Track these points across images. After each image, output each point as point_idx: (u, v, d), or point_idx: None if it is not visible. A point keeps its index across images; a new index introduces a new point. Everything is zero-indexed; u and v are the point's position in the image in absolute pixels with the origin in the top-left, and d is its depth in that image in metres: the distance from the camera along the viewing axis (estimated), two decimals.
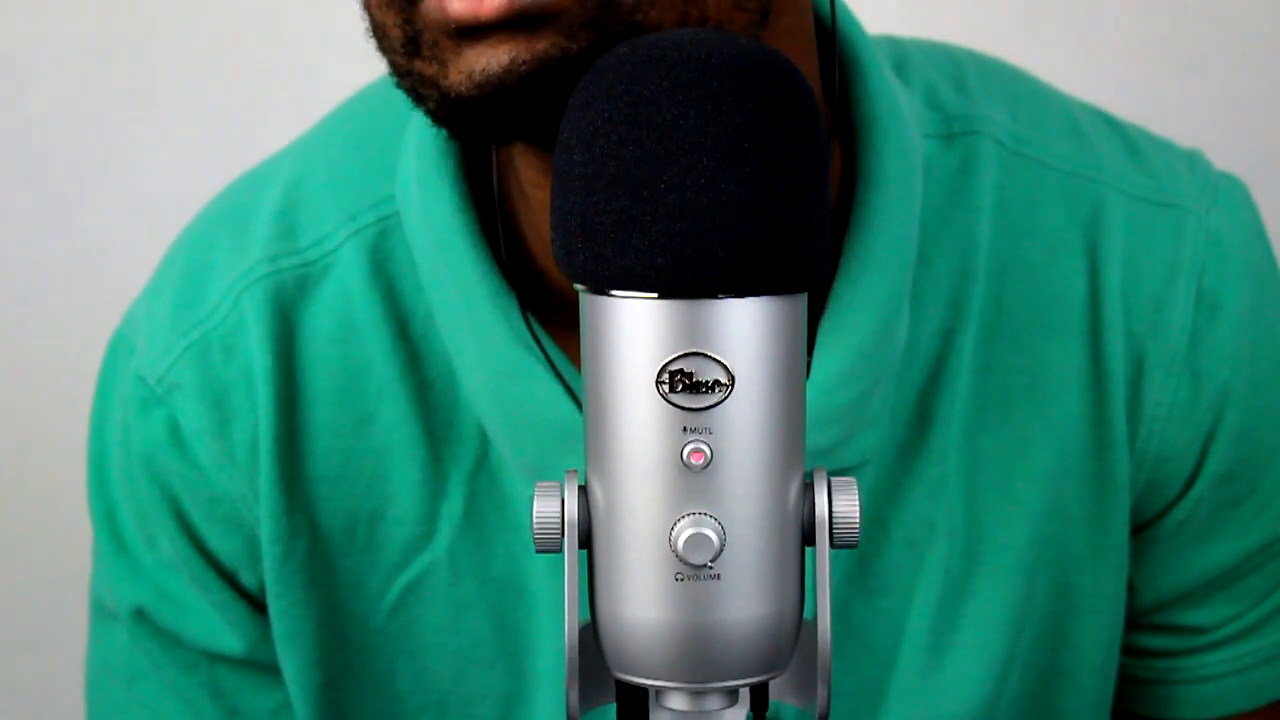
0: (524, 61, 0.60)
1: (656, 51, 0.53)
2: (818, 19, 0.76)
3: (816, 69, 0.74)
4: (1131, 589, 0.85)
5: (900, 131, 0.75)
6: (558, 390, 0.73)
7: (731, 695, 0.57)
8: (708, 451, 0.53)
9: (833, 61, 0.76)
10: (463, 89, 0.61)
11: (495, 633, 0.80)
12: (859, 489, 0.77)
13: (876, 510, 0.79)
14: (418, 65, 0.63)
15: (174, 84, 1.33)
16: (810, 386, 0.72)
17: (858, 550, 0.79)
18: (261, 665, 0.82)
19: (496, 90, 0.61)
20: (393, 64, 0.65)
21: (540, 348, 0.73)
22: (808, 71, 0.73)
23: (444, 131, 0.74)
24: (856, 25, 0.78)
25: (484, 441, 0.78)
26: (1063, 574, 0.82)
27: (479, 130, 0.63)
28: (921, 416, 0.78)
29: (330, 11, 1.31)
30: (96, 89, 1.33)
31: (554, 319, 0.75)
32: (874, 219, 0.73)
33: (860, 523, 0.56)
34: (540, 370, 0.73)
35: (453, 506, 0.79)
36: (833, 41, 0.75)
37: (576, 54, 0.60)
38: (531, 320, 0.74)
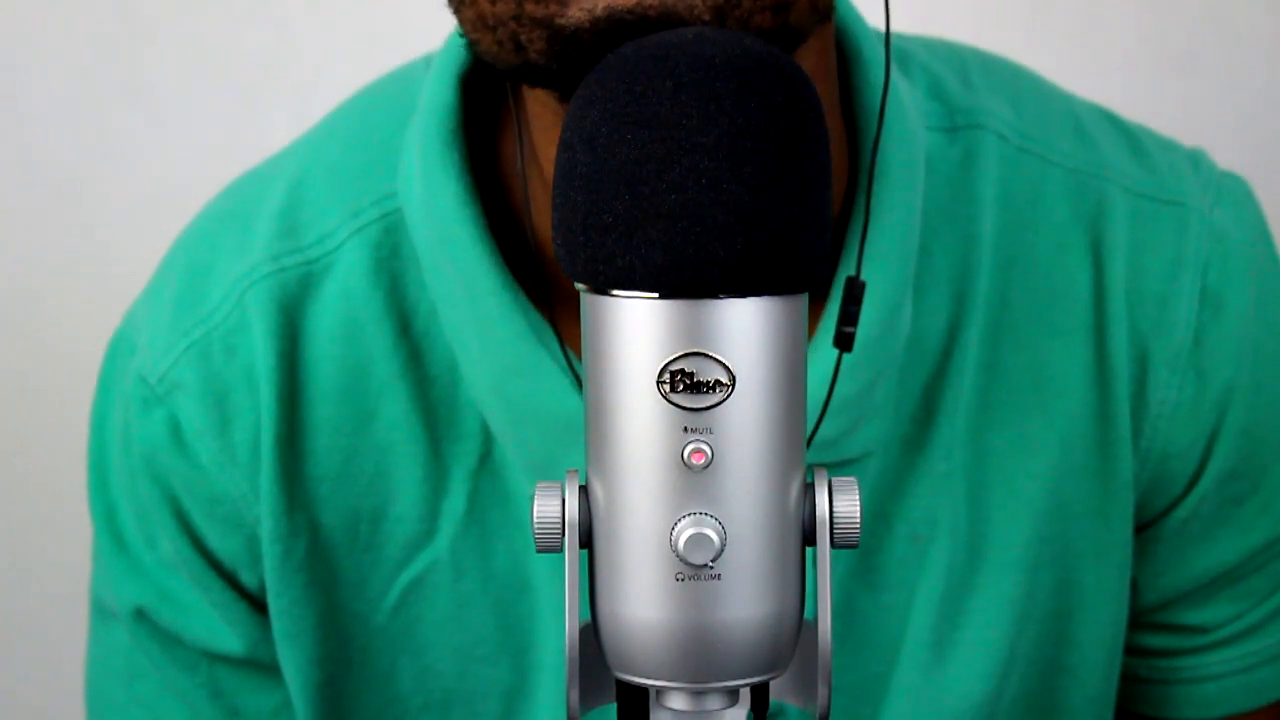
0: (650, 6, 0.59)
1: (660, 51, 0.53)
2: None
3: (835, 60, 0.74)
4: (1134, 588, 0.85)
5: (902, 123, 0.75)
6: (564, 384, 0.73)
7: (732, 695, 0.57)
8: (708, 451, 0.53)
9: (844, 57, 0.76)
10: (584, 22, 0.60)
11: (498, 629, 0.80)
12: (862, 484, 0.77)
13: (880, 505, 0.79)
14: (529, 8, 0.61)
15: (174, 84, 1.33)
16: (814, 377, 0.72)
17: (861, 545, 0.79)
18: (261, 665, 0.82)
19: (617, 26, 0.59)
20: (484, 15, 0.63)
21: (558, 338, 0.73)
22: (826, 60, 0.73)
23: (486, 83, 0.72)
24: (858, 18, 0.78)
25: (486, 438, 0.78)
26: (1065, 571, 0.82)
27: (585, 67, 0.60)
28: (926, 411, 0.78)
29: (330, 11, 1.31)
30: (96, 89, 1.33)
31: (566, 311, 0.75)
32: (877, 209, 0.73)
33: (861, 523, 0.56)
34: (546, 364, 0.73)
35: (455, 504, 0.79)
36: (876, 39, 0.75)
37: (699, 11, 0.60)
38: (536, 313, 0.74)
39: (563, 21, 0.60)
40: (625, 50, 0.54)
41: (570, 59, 0.61)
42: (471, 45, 0.65)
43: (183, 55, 1.33)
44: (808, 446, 0.71)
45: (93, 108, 1.34)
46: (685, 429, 0.53)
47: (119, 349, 0.83)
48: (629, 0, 0.59)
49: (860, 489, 0.57)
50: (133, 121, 1.34)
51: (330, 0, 1.31)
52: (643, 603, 0.54)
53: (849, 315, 0.65)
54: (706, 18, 0.59)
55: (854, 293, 0.65)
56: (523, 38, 0.62)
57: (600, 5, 0.59)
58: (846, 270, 0.73)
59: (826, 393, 0.71)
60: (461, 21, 0.65)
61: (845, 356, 0.72)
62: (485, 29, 0.63)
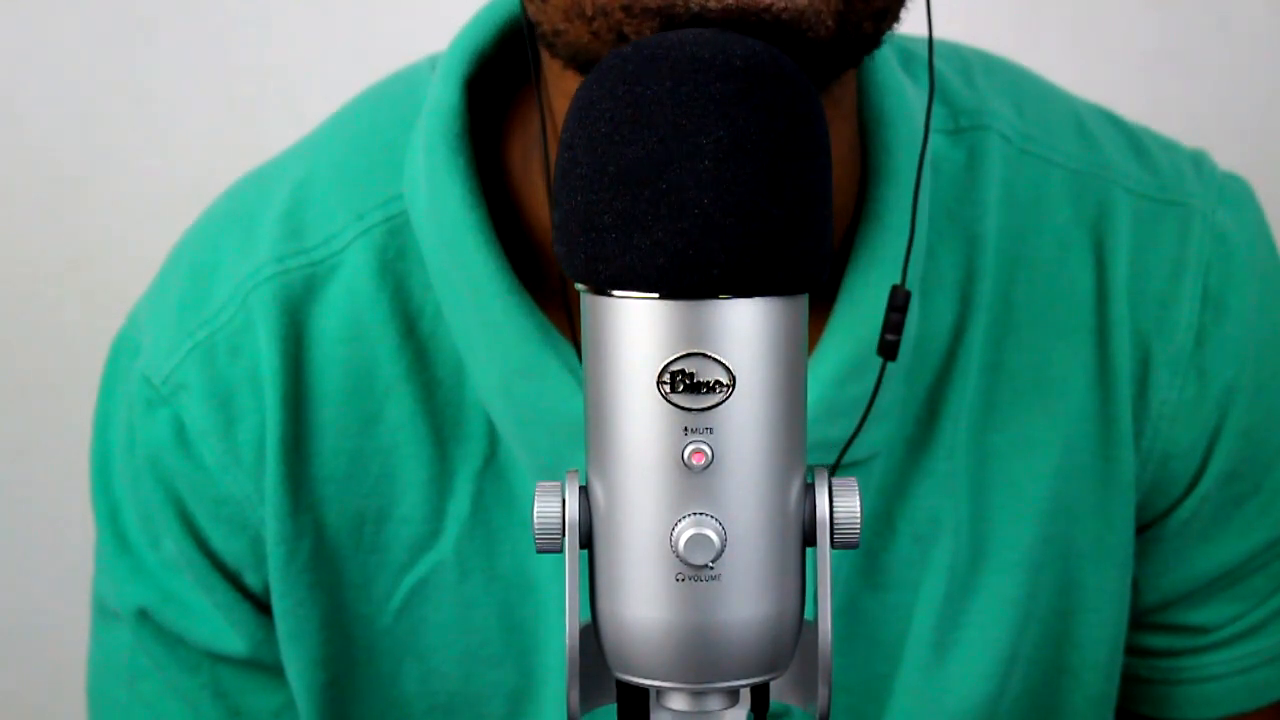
0: (784, 8, 0.59)
1: (660, 51, 0.53)
2: None
3: None
4: (1135, 588, 0.86)
5: (909, 125, 0.75)
6: (571, 385, 0.73)
7: (732, 696, 0.57)
8: (709, 452, 0.53)
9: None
10: (713, 10, 0.58)
11: (503, 630, 0.80)
12: (867, 485, 0.77)
13: (885, 505, 0.79)
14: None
15: (174, 84, 1.33)
16: (822, 379, 0.72)
17: (865, 545, 0.79)
18: (265, 666, 0.82)
19: (740, 19, 0.58)
20: (582, 6, 0.61)
21: (571, 340, 0.73)
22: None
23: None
24: None
25: (492, 440, 0.78)
26: (1067, 571, 0.82)
27: None
28: (931, 412, 0.78)
29: (330, 12, 1.31)
30: (96, 89, 1.33)
31: (573, 313, 0.75)
32: (884, 212, 0.73)
33: (862, 524, 0.56)
34: (553, 366, 0.73)
35: (460, 505, 0.79)
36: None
37: (825, 16, 0.59)
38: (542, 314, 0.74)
39: (680, 10, 0.59)
40: (625, 51, 0.54)
41: None
42: (554, 34, 0.64)
43: (182, 55, 1.33)
44: (844, 452, 0.71)
45: (93, 108, 1.34)
46: (685, 429, 0.53)
47: (122, 349, 0.83)
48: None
49: (862, 489, 0.57)
50: (133, 121, 1.34)
51: (329, 1, 1.31)
52: (643, 603, 0.54)
53: (894, 324, 0.65)
54: (830, 23, 0.60)
55: (897, 301, 0.65)
56: (629, 29, 0.60)
57: None
58: (856, 274, 0.73)
59: (832, 395, 0.71)
60: (546, 9, 0.64)
61: (856, 360, 0.72)
62: (579, 18, 0.62)
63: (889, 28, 0.64)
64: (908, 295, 0.65)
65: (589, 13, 0.61)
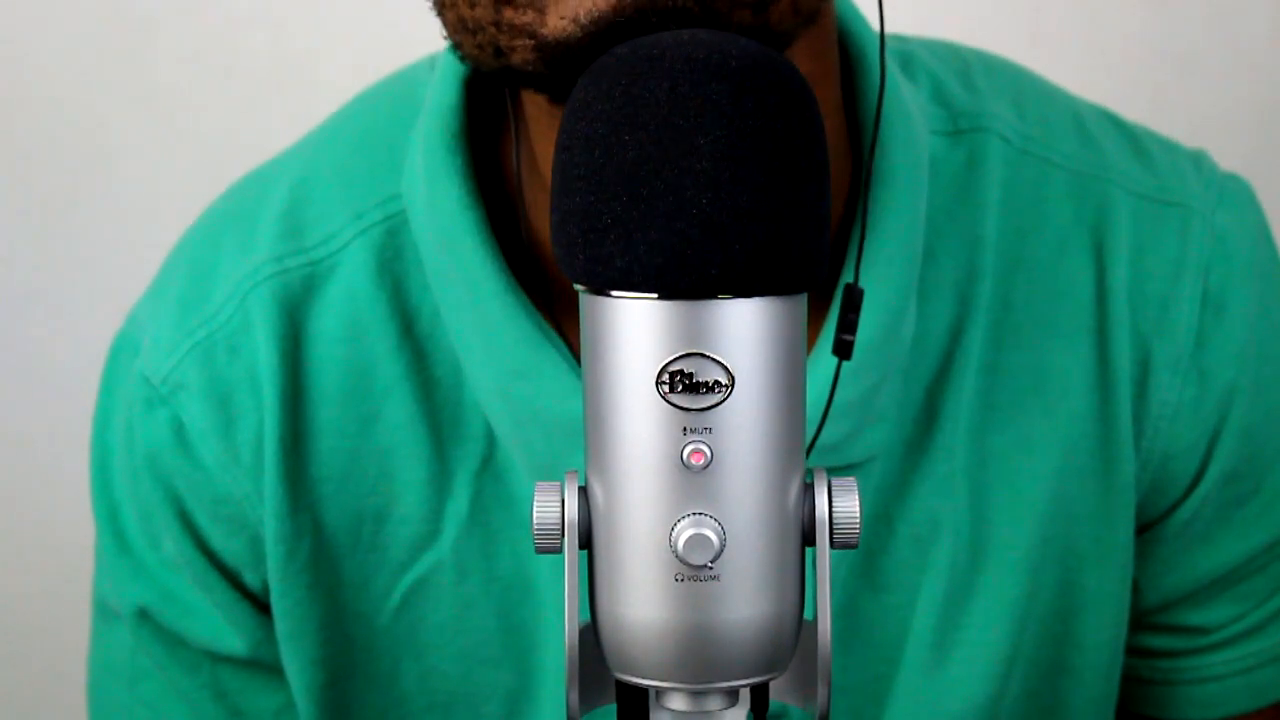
0: (628, 4, 0.59)
1: (655, 52, 0.53)
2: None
3: (836, 63, 0.74)
4: (1136, 589, 0.85)
5: (906, 127, 0.75)
6: (568, 386, 0.73)
7: (732, 695, 0.57)
8: (708, 452, 0.53)
9: (847, 61, 0.76)
10: (568, 32, 0.60)
11: (501, 631, 0.80)
12: (865, 486, 0.77)
13: (884, 506, 0.79)
14: (508, 14, 0.61)
15: (174, 84, 1.33)
16: (819, 380, 0.72)
17: (864, 546, 0.79)
18: (265, 665, 0.82)
19: (607, 29, 0.59)
20: (465, 20, 0.63)
21: (568, 341, 0.73)
22: (823, 63, 0.73)
23: (516, 88, 0.72)
24: (862, 21, 0.78)
25: (490, 440, 0.78)
26: (1067, 573, 0.82)
27: (576, 73, 0.59)
28: (929, 413, 0.78)
29: (330, 11, 1.31)
30: (96, 89, 1.33)
31: (566, 313, 0.75)
32: (881, 214, 0.73)
33: (861, 524, 0.56)
34: (549, 367, 0.73)
35: (458, 505, 0.79)
36: (849, 41, 0.75)
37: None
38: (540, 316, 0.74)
39: (545, 31, 0.60)
40: (620, 51, 0.54)
41: (561, 66, 0.61)
42: (454, 47, 0.66)
43: (183, 55, 1.33)
44: (809, 453, 0.71)
45: (93, 107, 1.34)
46: (684, 429, 0.53)
47: (122, 349, 0.83)
48: (608, 2, 0.59)
49: (861, 490, 0.57)
50: (133, 120, 1.34)
51: (330, 0, 1.31)
52: (642, 603, 0.54)
53: (848, 323, 0.65)
54: (696, 11, 0.60)
55: (853, 300, 0.65)
56: (503, 43, 0.62)
57: (582, 12, 0.60)
58: (849, 275, 0.73)
59: (827, 399, 0.71)
60: (444, 24, 0.65)
61: (854, 360, 0.72)
62: (466, 32, 0.63)
63: (786, 23, 0.63)
64: (861, 294, 0.65)
65: (471, 26, 0.63)
